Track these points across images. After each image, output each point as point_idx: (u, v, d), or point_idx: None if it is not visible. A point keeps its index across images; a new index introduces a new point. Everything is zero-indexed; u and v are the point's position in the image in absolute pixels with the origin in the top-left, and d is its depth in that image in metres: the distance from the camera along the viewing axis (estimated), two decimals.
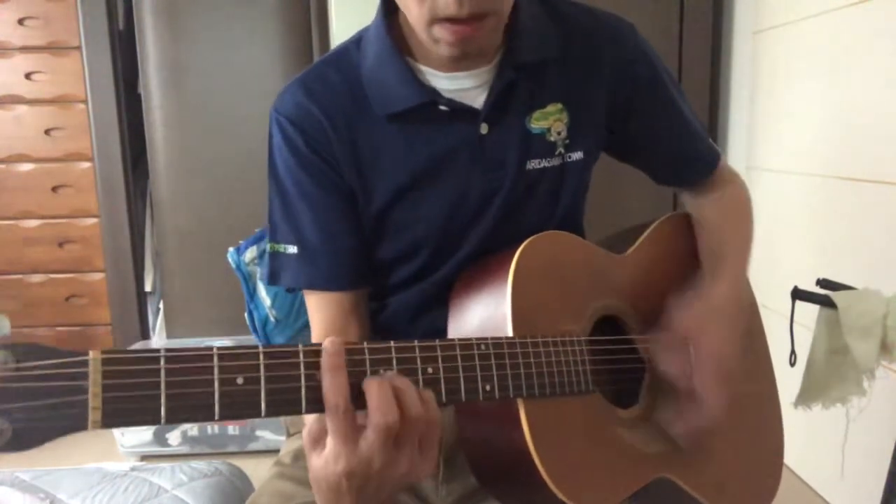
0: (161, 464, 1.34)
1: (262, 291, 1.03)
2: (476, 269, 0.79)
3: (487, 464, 0.73)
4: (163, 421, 0.50)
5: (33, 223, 2.40)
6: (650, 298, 0.86)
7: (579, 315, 0.77)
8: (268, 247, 0.85)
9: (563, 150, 0.84)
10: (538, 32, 0.82)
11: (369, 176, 0.82)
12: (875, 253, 1.52)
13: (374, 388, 0.56)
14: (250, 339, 1.06)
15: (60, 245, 2.42)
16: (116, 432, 2.05)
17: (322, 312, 0.84)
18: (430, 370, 0.61)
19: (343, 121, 0.81)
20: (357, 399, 0.56)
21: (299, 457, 0.88)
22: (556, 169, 0.85)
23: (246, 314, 1.05)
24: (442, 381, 0.61)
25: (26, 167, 2.37)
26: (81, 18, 2.26)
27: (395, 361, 0.59)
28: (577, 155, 0.85)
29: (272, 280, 0.85)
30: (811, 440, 1.60)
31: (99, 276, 2.44)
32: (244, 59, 2.21)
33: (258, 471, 1.05)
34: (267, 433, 2.06)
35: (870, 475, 1.42)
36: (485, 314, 0.73)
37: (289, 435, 1.00)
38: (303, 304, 0.91)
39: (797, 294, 1.19)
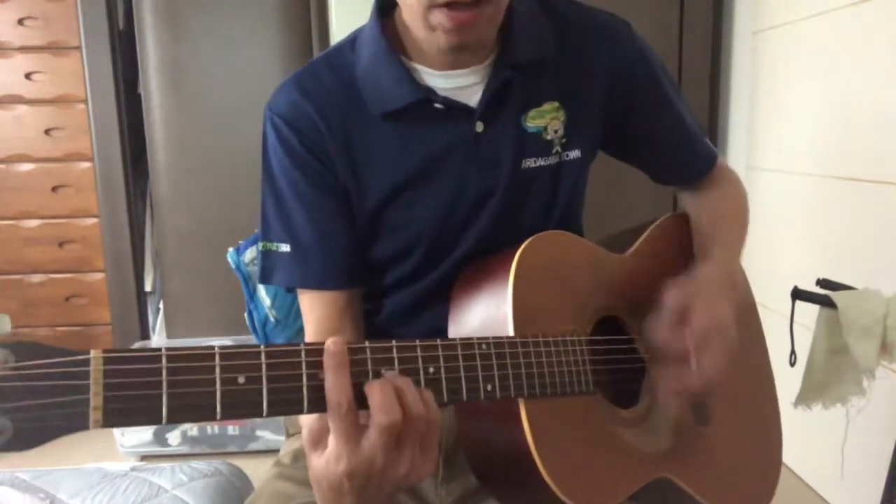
0: (161, 464, 1.34)
1: (262, 291, 1.03)
2: (476, 268, 0.79)
3: (488, 464, 0.73)
4: (164, 421, 0.50)
5: (33, 223, 2.40)
6: (651, 298, 0.86)
7: (580, 315, 0.77)
8: (260, 245, 0.85)
9: (559, 149, 0.84)
10: (534, 31, 0.82)
11: (364, 175, 0.82)
12: (875, 253, 1.52)
13: (376, 388, 0.56)
14: (250, 339, 1.06)
15: (60, 245, 2.42)
16: (116, 432, 2.05)
17: (316, 312, 0.84)
18: (431, 370, 0.61)
19: (337, 120, 0.81)
20: (358, 399, 0.56)
21: (299, 457, 0.88)
22: (553, 168, 0.85)
23: (246, 314, 1.05)
24: (443, 380, 0.61)
25: (26, 167, 2.37)
26: (81, 18, 2.26)
27: (396, 361, 0.59)
28: (574, 154, 0.85)
29: (264, 278, 0.85)
30: (811, 440, 1.60)
31: (99, 276, 2.44)
32: (244, 59, 2.21)
33: (258, 471, 1.05)
34: (267, 433, 2.06)
35: (869, 475, 1.43)
36: (485, 314, 0.73)
37: (288, 435, 1.00)
38: None
39: (797, 294, 1.19)
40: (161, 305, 2.39)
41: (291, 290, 0.92)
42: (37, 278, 2.43)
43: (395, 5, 0.79)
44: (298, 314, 1.02)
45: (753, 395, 0.94)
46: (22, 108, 2.34)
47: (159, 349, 0.51)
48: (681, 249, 0.93)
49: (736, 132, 2.15)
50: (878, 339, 1.12)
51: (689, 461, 0.80)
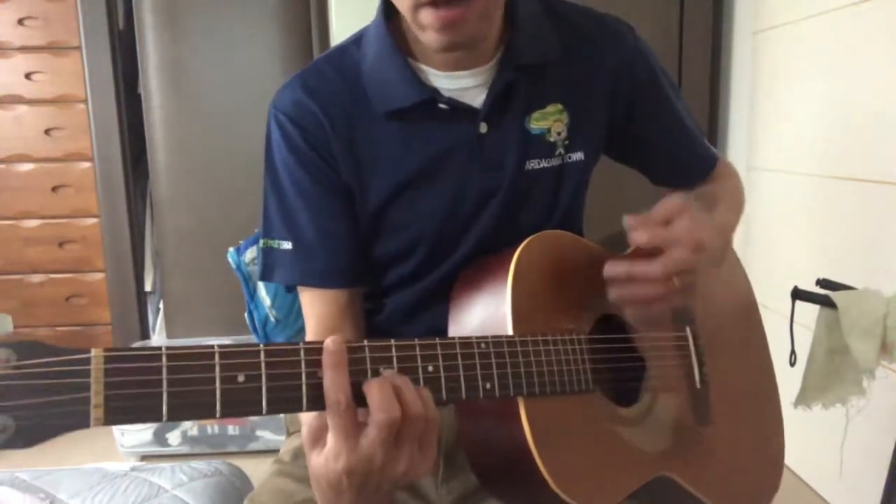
0: (161, 464, 1.34)
1: (263, 291, 1.03)
2: (476, 268, 0.79)
3: (488, 462, 0.73)
4: (164, 418, 0.50)
5: (33, 223, 2.40)
6: None
7: (579, 314, 0.77)
8: (261, 242, 0.85)
9: (562, 151, 0.85)
10: (538, 33, 0.83)
11: (367, 173, 0.82)
12: (875, 253, 1.52)
13: (375, 386, 0.57)
14: (250, 338, 1.06)
15: (60, 245, 2.42)
16: (117, 433, 2.05)
17: (316, 310, 0.84)
18: (430, 368, 0.61)
19: (342, 118, 0.81)
20: (357, 398, 0.56)
21: (299, 455, 0.88)
22: (556, 169, 0.85)
23: (246, 314, 1.05)
24: (442, 379, 0.61)
25: (26, 167, 2.37)
26: (81, 18, 2.26)
27: (395, 360, 0.59)
28: (577, 156, 0.86)
29: (265, 276, 0.85)
30: (810, 439, 1.60)
31: (99, 276, 2.44)
32: (244, 59, 2.21)
33: (258, 471, 1.05)
34: (267, 433, 2.06)
35: (869, 475, 1.43)
36: (485, 314, 0.74)
37: (289, 433, 1.00)
38: None
39: (797, 294, 1.19)
40: (161, 305, 2.39)
41: (292, 289, 0.92)
42: (37, 278, 2.43)
43: None
44: (299, 314, 1.02)
45: (755, 394, 0.94)
46: (22, 108, 2.34)
47: (159, 348, 0.51)
48: None
49: (736, 132, 2.15)
50: (878, 339, 1.12)
51: (690, 460, 0.80)
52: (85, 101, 2.32)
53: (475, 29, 0.73)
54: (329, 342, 0.56)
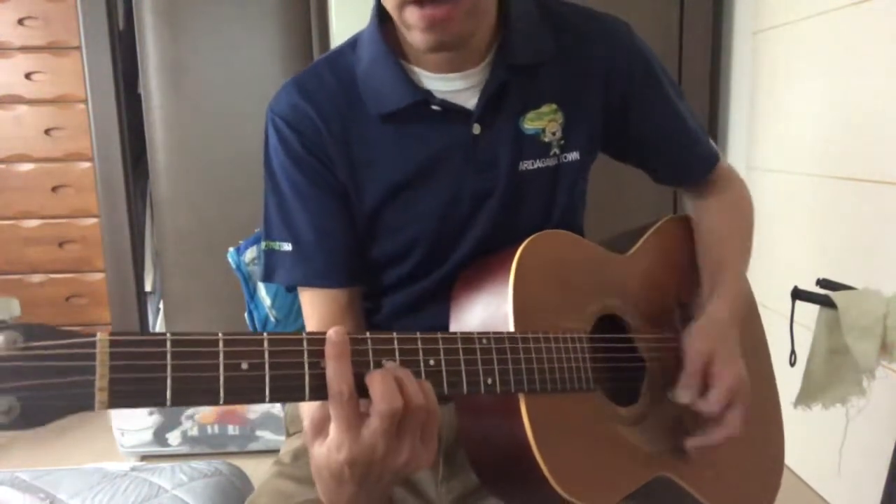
0: (161, 464, 1.34)
1: (263, 291, 1.03)
2: (477, 268, 0.79)
3: (488, 460, 0.73)
4: (168, 403, 0.50)
5: (33, 223, 2.40)
6: (651, 298, 0.86)
7: (580, 314, 0.77)
8: (263, 244, 0.86)
9: (558, 151, 0.85)
10: (531, 32, 0.83)
11: (362, 175, 0.82)
12: (875, 253, 1.52)
13: (377, 377, 0.57)
14: None
15: (60, 245, 2.42)
16: (117, 433, 2.05)
17: (317, 309, 0.84)
18: (431, 362, 0.61)
19: (338, 121, 0.81)
20: (359, 389, 0.57)
21: (299, 456, 0.88)
22: (551, 169, 0.85)
23: (246, 314, 1.05)
24: (444, 373, 0.62)
25: (26, 167, 2.38)
26: (81, 18, 2.25)
27: (397, 352, 0.60)
28: (572, 155, 0.86)
29: (267, 277, 0.85)
30: (810, 439, 1.60)
31: (99, 276, 2.44)
32: (244, 59, 2.21)
33: (258, 471, 1.05)
34: (267, 433, 2.06)
35: (868, 474, 1.43)
36: (486, 313, 0.74)
37: (289, 434, 1.00)
38: None
39: (797, 294, 1.19)
40: (161, 305, 2.39)
41: (292, 290, 0.92)
42: (37, 278, 2.43)
43: None
44: (299, 314, 1.02)
45: (755, 395, 0.94)
46: (22, 108, 2.34)
47: (164, 333, 0.51)
48: (683, 251, 0.93)
49: (736, 132, 2.15)
50: (878, 339, 1.12)
51: (690, 461, 0.80)
52: (85, 101, 2.32)
53: (462, 27, 0.73)
54: (332, 333, 0.56)
